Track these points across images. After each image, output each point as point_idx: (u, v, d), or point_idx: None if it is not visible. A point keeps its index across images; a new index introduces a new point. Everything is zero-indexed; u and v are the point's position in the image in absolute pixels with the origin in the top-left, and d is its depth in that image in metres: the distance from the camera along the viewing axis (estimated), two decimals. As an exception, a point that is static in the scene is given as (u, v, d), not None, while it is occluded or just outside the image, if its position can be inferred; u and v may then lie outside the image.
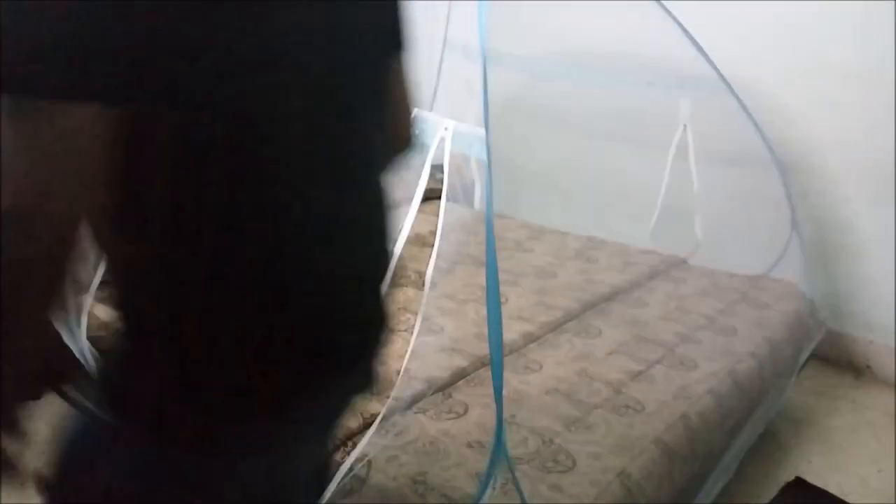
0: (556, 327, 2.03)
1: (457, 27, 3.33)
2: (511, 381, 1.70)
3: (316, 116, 0.76)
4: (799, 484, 2.09)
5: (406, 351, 1.45)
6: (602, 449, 1.45)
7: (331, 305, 0.81)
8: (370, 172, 0.87)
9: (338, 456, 1.39)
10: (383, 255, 0.91)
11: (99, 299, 1.75)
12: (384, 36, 0.90)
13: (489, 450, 1.15)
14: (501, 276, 2.34)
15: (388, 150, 0.96)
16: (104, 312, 1.75)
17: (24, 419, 0.69)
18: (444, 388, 1.64)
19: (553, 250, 2.76)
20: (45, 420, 0.80)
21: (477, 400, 1.60)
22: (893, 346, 2.75)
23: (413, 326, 1.40)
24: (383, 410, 1.47)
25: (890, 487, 2.10)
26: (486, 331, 1.13)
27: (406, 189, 3.14)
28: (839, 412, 2.56)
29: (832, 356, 2.87)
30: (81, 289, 1.65)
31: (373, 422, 1.45)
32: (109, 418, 0.76)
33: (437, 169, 1.33)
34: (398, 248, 1.38)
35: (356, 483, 1.34)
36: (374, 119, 0.86)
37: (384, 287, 0.90)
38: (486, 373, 1.70)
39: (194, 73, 0.64)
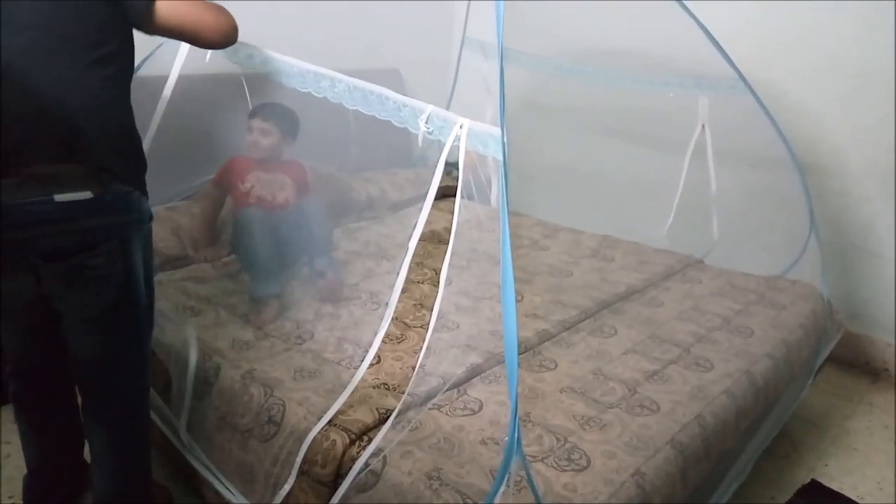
0: (571, 326, 2.03)
1: (475, 26, 3.34)
2: (526, 378, 1.71)
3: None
4: (814, 486, 2.08)
5: (422, 347, 1.46)
6: (616, 448, 1.45)
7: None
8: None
9: (353, 450, 1.41)
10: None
11: None
12: None
13: (503, 447, 1.15)
14: (516, 274, 2.34)
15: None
16: None
17: None
18: (459, 384, 1.65)
19: (568, 249, 2.76)
20: None
21: (492, 397, 1.60)
22: (912, 349, 2.74)
23: (429, 323, 1.41)
24: (399, 406, 1.48)
25: (907, 491, 2.09)
26: (501, 328, 1.13)
27: (422, 186, 3.15)
28: (856, 415, 2.54)
29: (849, 358, 2.85)
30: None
31: (388, 417, 1.47)
32: None
33: (452, 166, 1.33)
34: (413, 244, 1.39)
35: (371, 478, 1.35)
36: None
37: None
38: (501, 370, 1.71)
39: None
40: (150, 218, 1.51)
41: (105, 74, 1.34)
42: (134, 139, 1.45)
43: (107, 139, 1.36)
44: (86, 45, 1.32)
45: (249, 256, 2.12)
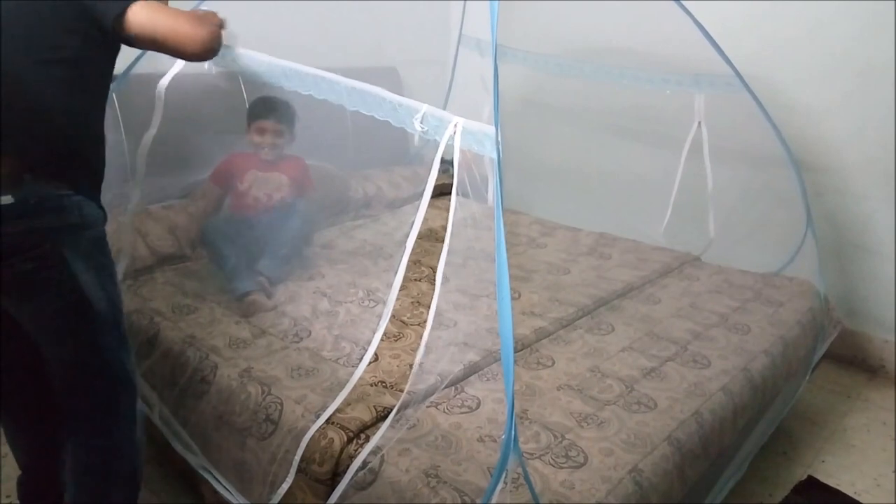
0: (568, 323, 2.03)
1: (473, 24, 3.34)
2: (523, 376, 1.71)
3: None
4: (811, 483, 2.08)
5: (419, 345, 1.46)
6: (614, 445, 1.45)
7: None
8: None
9: (351, 448, 1.41)
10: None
11: None
12: None
13: (501, 444, 1.15)
14: (514, 272, 2.36)
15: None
16: None
17: None
18: (456, 382, 1.65)
19: (566, 246, 2.76)
20: None
21: (489, 394, 1.60)
22: (908, 345, 2.74)
23: (426, 321, 1.41)
24: (398, 404, 1.48)
25: (904, 488, 2.09)
26: (498, 326, 1.13)
27: (419, 184, 3.15)
28: (853, 411, 2.55)
29: (846, 355, 2.85)
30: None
31: (386, 415, 1.47)
32: None
33: (448, 164, 1.33)
34: (410, 242, 1.39)
35: (369, 476, 1.35)
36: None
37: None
38: (499, 367, 1.71)
39: None
40: (102, 221, 1.44)
41: (56, 76, 1.31)
42: (83, 142, 1.39)
43: (42, 140, 1.31)
44: (41, 47, 1.29)
45: (217, 262, 2.18)
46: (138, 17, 1.33)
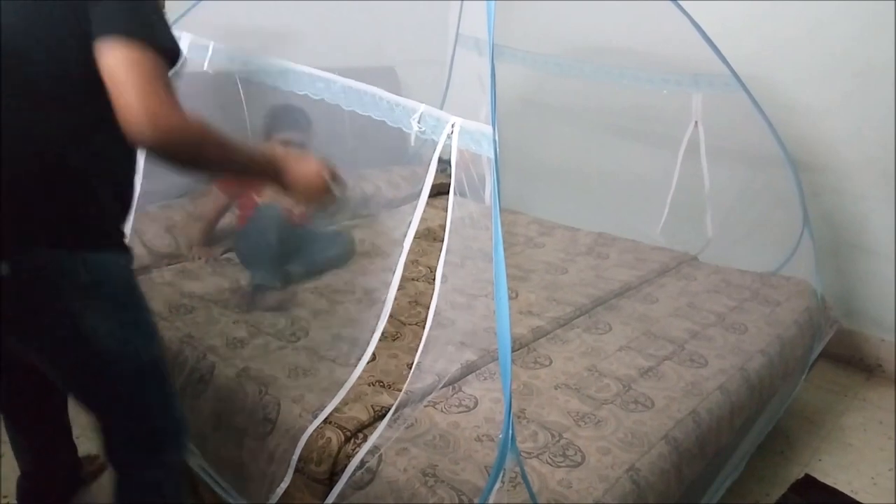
0: (565, 323, 2.04)
1: (471, 23, 3.34)
2: (520, 375, 1.71)
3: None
4: (808, 482, 2.09)
5: (417, 344, 1.46)
6: (611, 444, 1.45)
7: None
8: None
9: (348, 448, 1.41)
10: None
11: None
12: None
13: (498, 444, 1.15)
14: (511, 272, 2.36)
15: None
16: None
17: None
18: (454, 381, 1.65)
19: (564, 246, 2.76)
20: None
21: (486, 394, 1.60)
22: (906, 344, 2.75)
23: (424, 320, 1.41)
24: (395, 403, 1.48)
25: (900, 486, 2.10)
26: (495, 325, 1.13)
27: (417, 183, 3.15)
28: (850, 410, 2.55)
29: (843, 354, 2.86)
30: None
31: (384, 414, 1.47)
32: None
33: (446, 164, 1.33)
34: (408, 242, 1.39)
35: (367, 475, 1.35)
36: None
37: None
38: (496, 367, 1.71)
39: None
40: (122, 267, 1.25)
41: (56, 93, 1.11)
42: (88, 174, 1.16)
43: (39, 181, 1.11)
44: (39, 53, 1.09)
45: (256, 243, 2.13)
46: (108, 55, 1.06)
